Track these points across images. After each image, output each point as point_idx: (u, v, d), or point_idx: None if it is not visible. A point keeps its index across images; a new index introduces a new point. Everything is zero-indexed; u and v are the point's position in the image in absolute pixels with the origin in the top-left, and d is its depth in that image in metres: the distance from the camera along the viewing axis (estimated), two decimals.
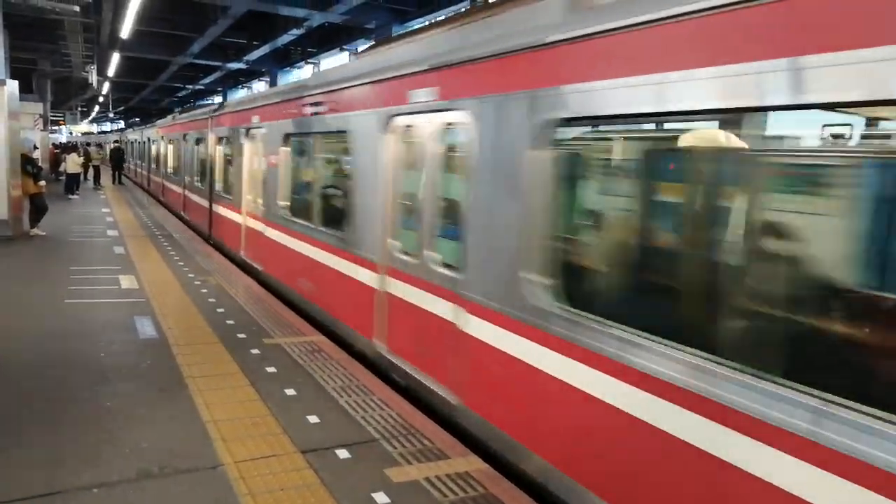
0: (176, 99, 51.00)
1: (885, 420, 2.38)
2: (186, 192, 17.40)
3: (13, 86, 13.21)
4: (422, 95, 5.43)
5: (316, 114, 7.89)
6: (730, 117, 3.12)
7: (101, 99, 47.84)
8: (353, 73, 6.95)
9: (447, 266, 5.18)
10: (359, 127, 6.59)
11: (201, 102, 41.78)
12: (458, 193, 5.03)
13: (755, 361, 2.86)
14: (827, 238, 3.16)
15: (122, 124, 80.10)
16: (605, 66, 3.56)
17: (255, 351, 6.47)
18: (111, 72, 31.45)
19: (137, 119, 64.12)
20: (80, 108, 55.23)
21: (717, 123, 3.35)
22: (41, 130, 27.85)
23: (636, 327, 3.43)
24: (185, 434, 4.55)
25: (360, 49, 15.78)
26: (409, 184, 5.82)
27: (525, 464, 4.21)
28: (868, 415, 2.42)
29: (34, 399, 5.05)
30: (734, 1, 2.87)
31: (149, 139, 27.00)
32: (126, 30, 19.08)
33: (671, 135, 3.91)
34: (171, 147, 20.77)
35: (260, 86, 38.23)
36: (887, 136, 2.94)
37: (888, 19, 2.37)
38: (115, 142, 38.83)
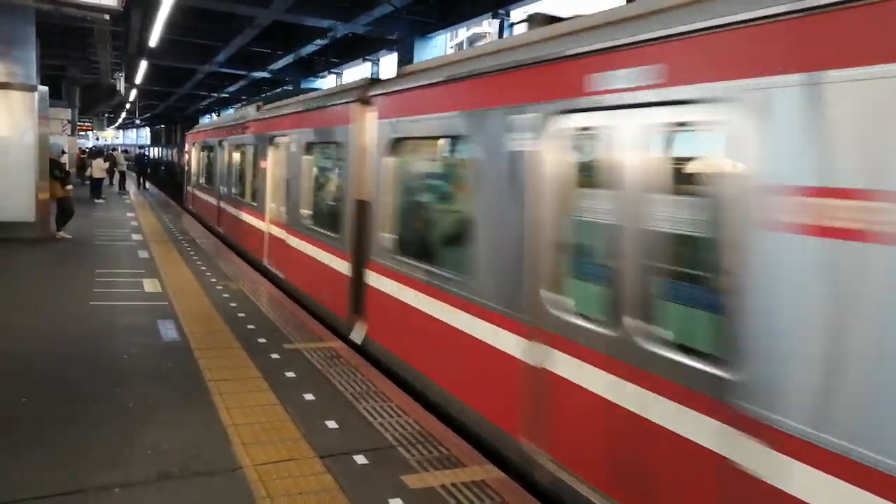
0: (201, 107, 51.67)
1: None
2: None
3: (43, 91, 13.50)
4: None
5: None
6: None
7: (127, 105, 48.65)
8: None
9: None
10: None
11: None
12: None
13: None
14: None
15: (147, 131, 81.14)
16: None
17: (275, 356, 6.52)
18: (138, 79, 31.99)
19: (163, 126, 64.84)
20: (107, 115, 56.08)
21: None
22: (69, 136, 28.38)
23: None
24: (206, 437, 4.60)
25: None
26: None
27: None
28: None
29: (57, 398, 5.15)
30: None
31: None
32: (154, 38, 19.43)
33: None
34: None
35: None
36: None
37: None
38: (140, 147, 39.48)
